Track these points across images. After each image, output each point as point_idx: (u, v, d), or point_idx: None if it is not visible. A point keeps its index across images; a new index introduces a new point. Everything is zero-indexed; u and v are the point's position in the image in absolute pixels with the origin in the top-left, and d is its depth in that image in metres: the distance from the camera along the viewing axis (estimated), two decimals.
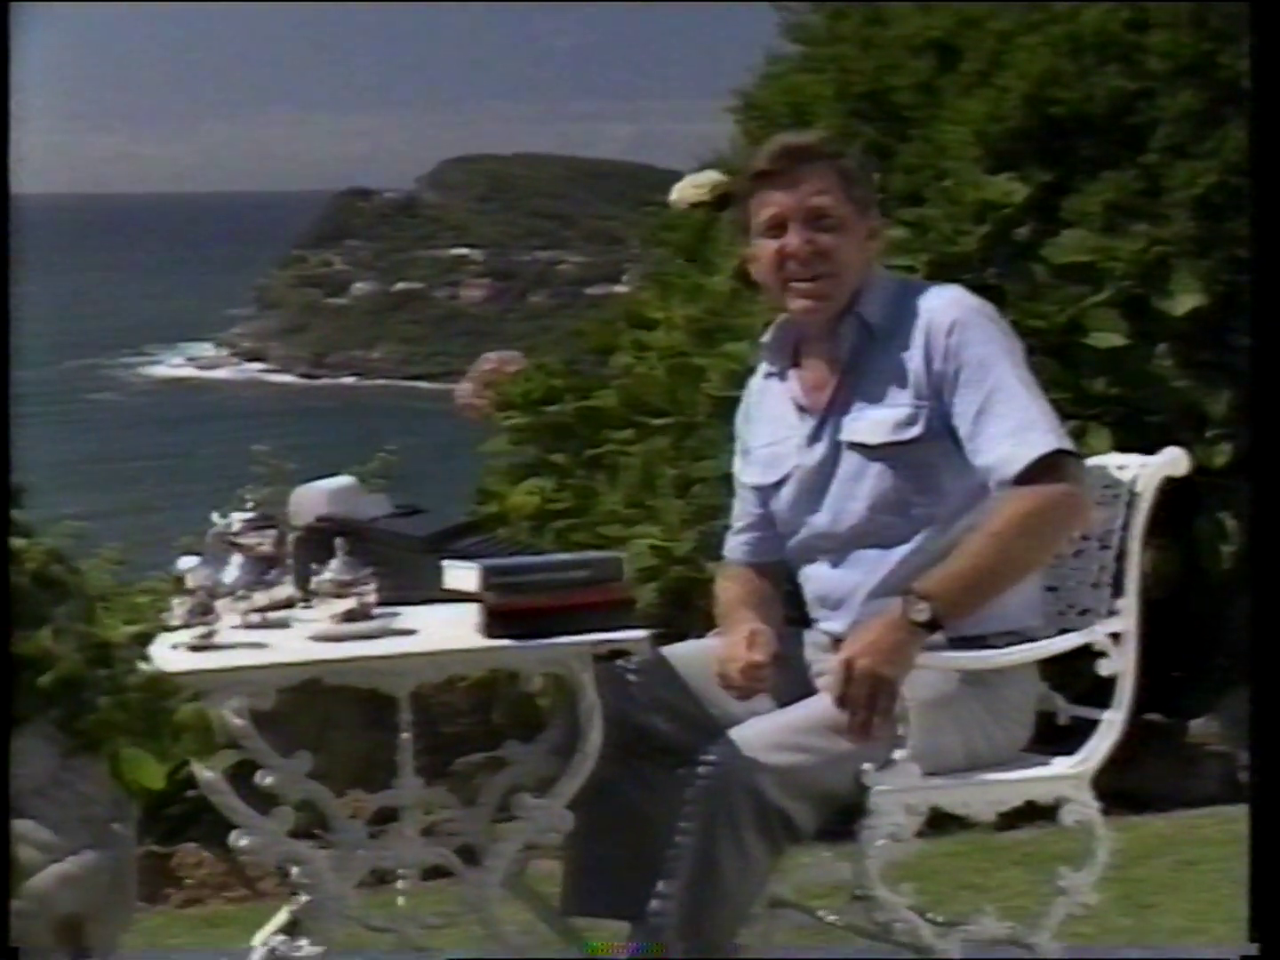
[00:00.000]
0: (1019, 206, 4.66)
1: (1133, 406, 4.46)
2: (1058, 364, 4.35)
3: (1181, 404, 4.47)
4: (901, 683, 2.68)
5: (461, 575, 2.81)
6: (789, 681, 2.96)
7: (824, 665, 2.91)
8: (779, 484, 3.04)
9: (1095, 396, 4.41)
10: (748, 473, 3.13)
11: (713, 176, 5.09)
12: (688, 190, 5.08)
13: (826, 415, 2.97)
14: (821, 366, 3.00)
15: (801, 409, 3.02)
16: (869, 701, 2.66)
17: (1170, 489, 3.03)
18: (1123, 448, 3.51)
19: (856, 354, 2.95)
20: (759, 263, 3.00)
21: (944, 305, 2.92)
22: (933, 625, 2.71)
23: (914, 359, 2.88)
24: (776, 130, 4.92)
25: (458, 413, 5.39)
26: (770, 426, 3.08)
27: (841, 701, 2.67)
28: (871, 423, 2.91)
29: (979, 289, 3.50)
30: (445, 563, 2.89)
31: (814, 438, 2.98)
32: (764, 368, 3.14)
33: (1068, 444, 2.83)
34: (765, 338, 3.11)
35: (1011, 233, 4.65)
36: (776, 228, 2.94)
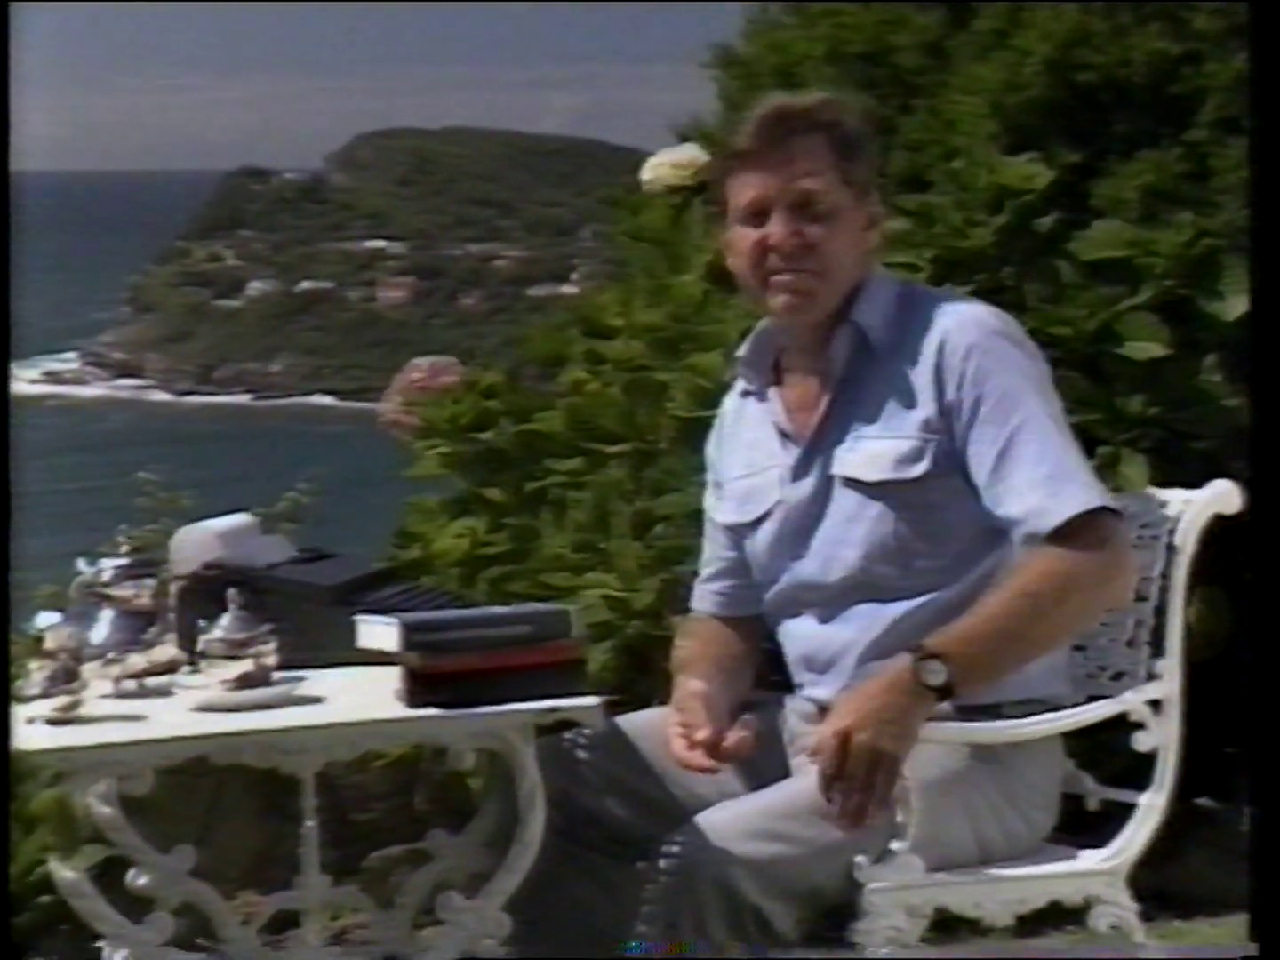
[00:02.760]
0: (1041, 193, 4.70)
1: (1175, 429, 4.48)
2: (1086, 379, 4.37)
3: (1233, 427, 4.49)
4: (905, 759, 2.70)
5: (378, 632, 2.82)
6: (767, 757, 2.99)
7: (809, 739, 2.94)
8: (757, 523, 3.06)
9: (1131, 417, 4.43)
10: (720, 510, 3.15)
11: (695, 155, 5.04)
12: (665, 170, 5.04)
13: (815, 443, 2.99)
14: (809, 384, 3.03)
15: (785, 435, 3.04)
16: (866, 782, 2.67)
17: (1220, 529, 3.06)
18: (1163, 479, 3.54)
19: (851, 371, 2.97)
20: (736, 254, 3.02)
21: (961, 322, 2.92)
22: (946, 691, 2.73)
23: (922, 383, 2.90)
24: (760, 95, 4.96)
25: (382, 431, 5.38)
26: (747, 454, 3.10)
27: (832, 781, 2.69)
28: (869, 455, 2.93)
29: (994, 291, 3.54)
30: (359, 618, 2.90)
31: (800, 470, 3.00)
32: (740, 385, 3.17)
33: (1110, 500, 2.85)
34: (742, 350, 3.13)
35: (1032, 223, 4.68)
36: (758, 214, 2.96)
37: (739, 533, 3.10)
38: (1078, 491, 2.81)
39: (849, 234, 2.97)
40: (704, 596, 3.18)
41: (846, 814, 2.67)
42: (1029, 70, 4.93)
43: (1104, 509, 2.81)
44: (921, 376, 2.90)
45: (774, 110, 2.99)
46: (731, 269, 3.08)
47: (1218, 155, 4.79)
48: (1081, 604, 2.83)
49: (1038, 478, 2.82)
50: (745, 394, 3.14)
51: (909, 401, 2.91)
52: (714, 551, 3.17)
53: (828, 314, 2.98)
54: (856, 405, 2.96)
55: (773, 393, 3.08)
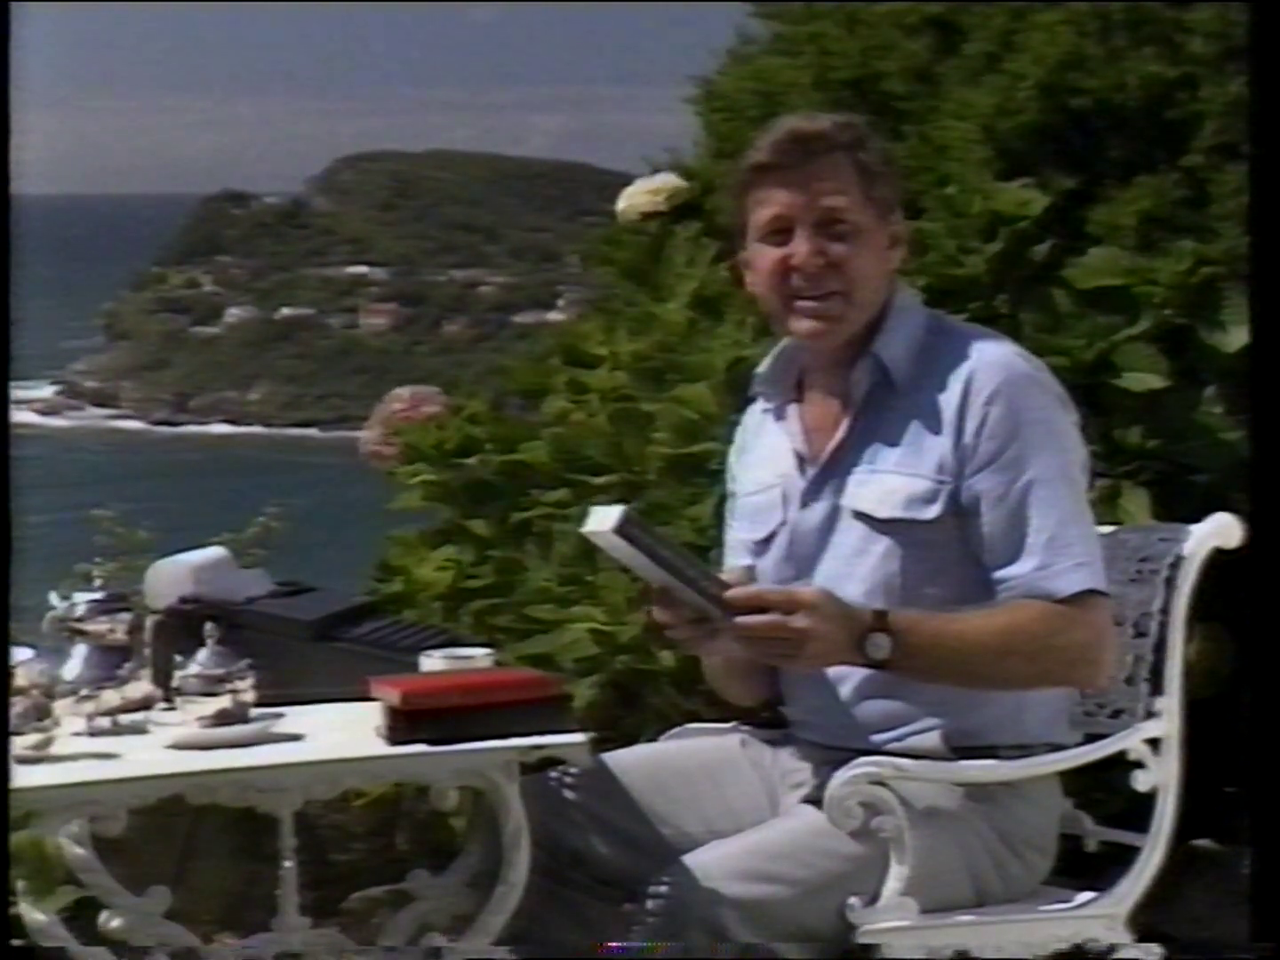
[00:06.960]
0: (1036, 219, 4.70)
1: (1175, 462, 4.49)
2: (1085, 410, 4.37)
3: (1234, 460, 4.50)
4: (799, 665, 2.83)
5: (600, 515, 2.74)
6: (758, 795, 2.99)
7: (803, 776, 2.94)
8: (765, 542, 3.05)
9: (1130, 450, 4.44)
10: (736, 525, 3.15)
11: (670, 181, 5.12)
12: (639, 198, 5.11)
13: (829, 470, 2.99)
14: (829, 406, 3.02)
15: (800, 457, 3.03)
16: (765, 641, 2.77)
17: (1220, 563, 3.06)
18: (1163, 512, 3.54)
19: (872, 401, 2.97)
20: (756, 273, 3.02)
21: (989, 364, 2.92)
22: (875, 664, 2.81)
23: (943, 422, 2.90)
24: (742, 125, 4.97)
25: (363, 462, 5.38)
26: (761, 471, 3.10)
27: (751, 616, 2.76)
28: (883, 490, 2.93)
29: (988, 320, 3.54)
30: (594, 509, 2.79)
31: (811, 494, 3.00)
32: (760, 403, 3.16)
33: (1101, 582, 2.87)
34: (762, 366, 3.12)
35: (1028, 251, 4.69)
36: (780, 232, 2.96)
37: (753, 550, 3.09)
38: (1077, 567, 2.84)
39: (873, 253, 2.97)
40: None
41: (734, 636, 2.79)
42: (1022, 95, 4.94)
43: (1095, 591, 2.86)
44: (943, 416, 2.90)
45: (793, 130, 2.97)
46: (749, 286, 3.07)
47: (1215, 181, 4.80)
48: (1046, 671, 2.86)
49: (1039, 542, 2.84)
50: (765, 411, 3.14)
51: (928, 439, 2.91)
52: (733, 562, 3.16)
53: (852, 336, 2.98)
54: (874, 436, 2.96)
55: (792, 411, 3.07)
